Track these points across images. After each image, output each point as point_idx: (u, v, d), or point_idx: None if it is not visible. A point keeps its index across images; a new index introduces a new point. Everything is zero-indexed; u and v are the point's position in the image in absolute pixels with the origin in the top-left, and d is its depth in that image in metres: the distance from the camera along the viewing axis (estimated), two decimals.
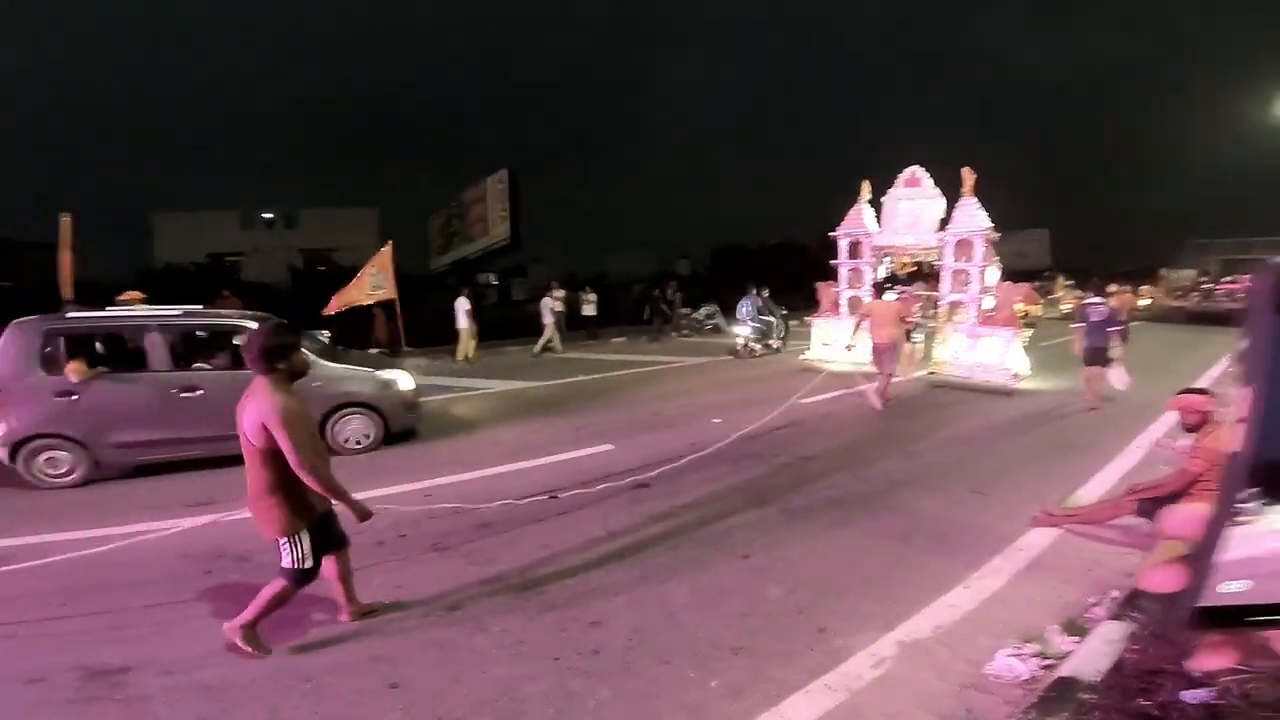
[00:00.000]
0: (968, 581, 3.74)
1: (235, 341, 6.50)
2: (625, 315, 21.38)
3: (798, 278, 30.23)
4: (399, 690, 2.90)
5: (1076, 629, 3.10)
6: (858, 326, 8.77)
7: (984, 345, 10.13)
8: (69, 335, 6.03)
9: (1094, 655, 2.74)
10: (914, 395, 9.31)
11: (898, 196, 11.40)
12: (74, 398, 5.86)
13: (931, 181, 11.14)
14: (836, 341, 11.49)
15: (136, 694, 2.91)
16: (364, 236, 33.52)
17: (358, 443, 6.85)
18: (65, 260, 8.56)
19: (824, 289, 12.50)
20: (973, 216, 10.28)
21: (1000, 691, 2.70)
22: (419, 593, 3.76)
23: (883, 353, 8.28)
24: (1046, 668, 2.78)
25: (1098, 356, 7.99)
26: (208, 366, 6.52)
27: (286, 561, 3.11)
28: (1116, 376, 8.24)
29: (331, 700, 2.85)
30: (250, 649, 3.15)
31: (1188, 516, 3.09)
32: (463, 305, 14.22)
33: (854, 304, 11.68)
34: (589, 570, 4.02)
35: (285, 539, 3.09)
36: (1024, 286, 11.54)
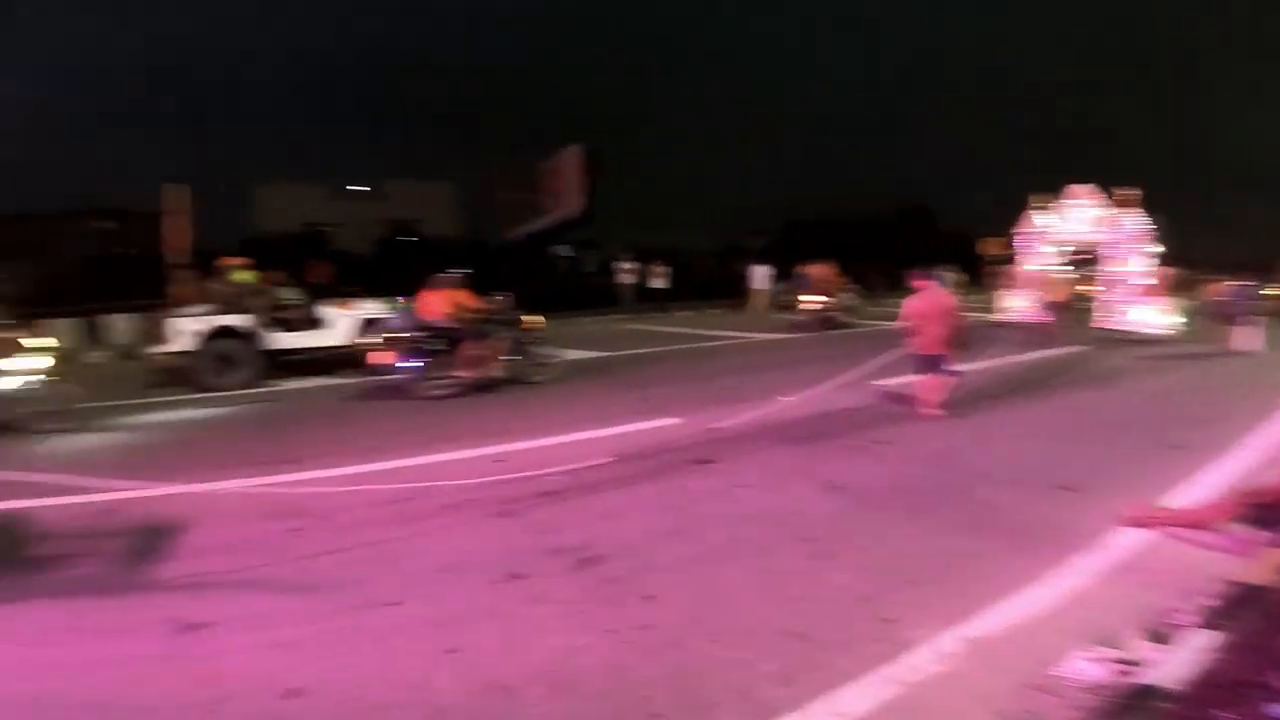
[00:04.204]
0: (1045, 580, 3.55)
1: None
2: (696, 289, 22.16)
3: (874, 254, 29.22)
4: (455, 654, 2.98)
5: (1159, 636, 2.89)
6: (1037, 291, 14.54)
7: (1140, 310, 14.14)
8: None
9: (1178, 664, 2.55)
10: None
11: (1073, 202, 15.35)
12: None
13: (1100, 193, 15.02)
14: (1015, 305, 16.07)
15: (217, 650, 3.02)
16: (442, 208, 37.48)
17: None
18: (180, 229, 9.24)
19: (1010, 271, 16.78)
20: (1135, 223, 14.29)
21: (1067, 695, 2.56)
22: (483, 559, 3.92)
23: (1056, 308, 13.64)
24: (1123, 674, 2.61)
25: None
26: None
27: (957, 368, 6.85)
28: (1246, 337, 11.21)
29: (389, 659, 2.95)
30: (946, 412, 6.79)
31: None
32: (759, 271, 20.30)
33: (1026, 279, 15.97)
34: (647, 545, 4.06)
35: (952, 356, 6.77)
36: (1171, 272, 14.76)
